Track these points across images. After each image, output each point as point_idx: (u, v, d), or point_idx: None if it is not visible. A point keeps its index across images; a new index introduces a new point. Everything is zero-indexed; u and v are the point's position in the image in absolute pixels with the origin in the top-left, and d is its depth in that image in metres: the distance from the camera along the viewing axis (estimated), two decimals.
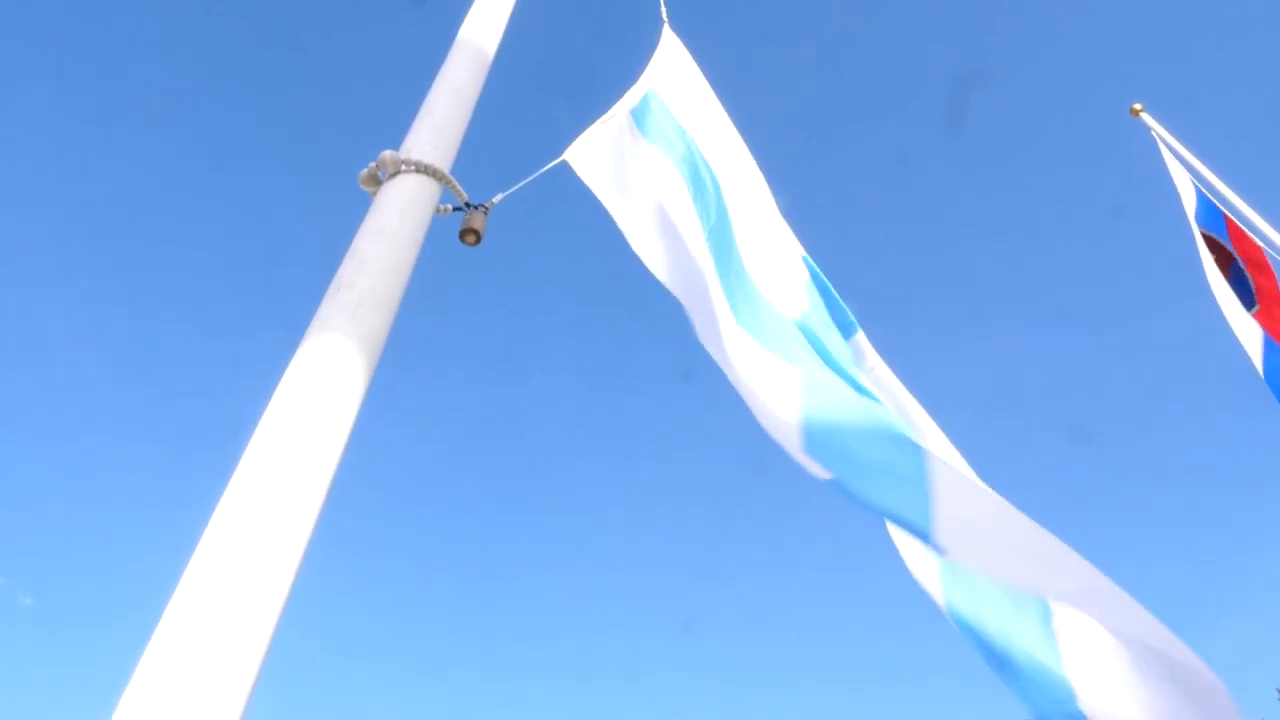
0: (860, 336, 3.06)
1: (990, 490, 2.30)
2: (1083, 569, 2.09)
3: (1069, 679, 2.37)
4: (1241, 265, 6.49)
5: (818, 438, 2.40)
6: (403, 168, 1.85)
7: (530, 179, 2.36)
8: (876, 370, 3.02)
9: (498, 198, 2.22)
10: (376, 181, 1.88)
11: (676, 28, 3.42)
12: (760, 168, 3.41)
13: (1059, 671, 2.39)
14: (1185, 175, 6.14)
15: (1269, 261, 6.31)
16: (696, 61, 3.41)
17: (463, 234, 2.11)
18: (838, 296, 3.10)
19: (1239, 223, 6.36)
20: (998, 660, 2.47)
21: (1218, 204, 6.41)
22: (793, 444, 2.40)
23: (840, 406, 2.51)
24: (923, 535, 2.21)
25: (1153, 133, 6.12)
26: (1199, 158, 6.20)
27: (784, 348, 2.64)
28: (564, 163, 2.54)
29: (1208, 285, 6.14)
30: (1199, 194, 6.26)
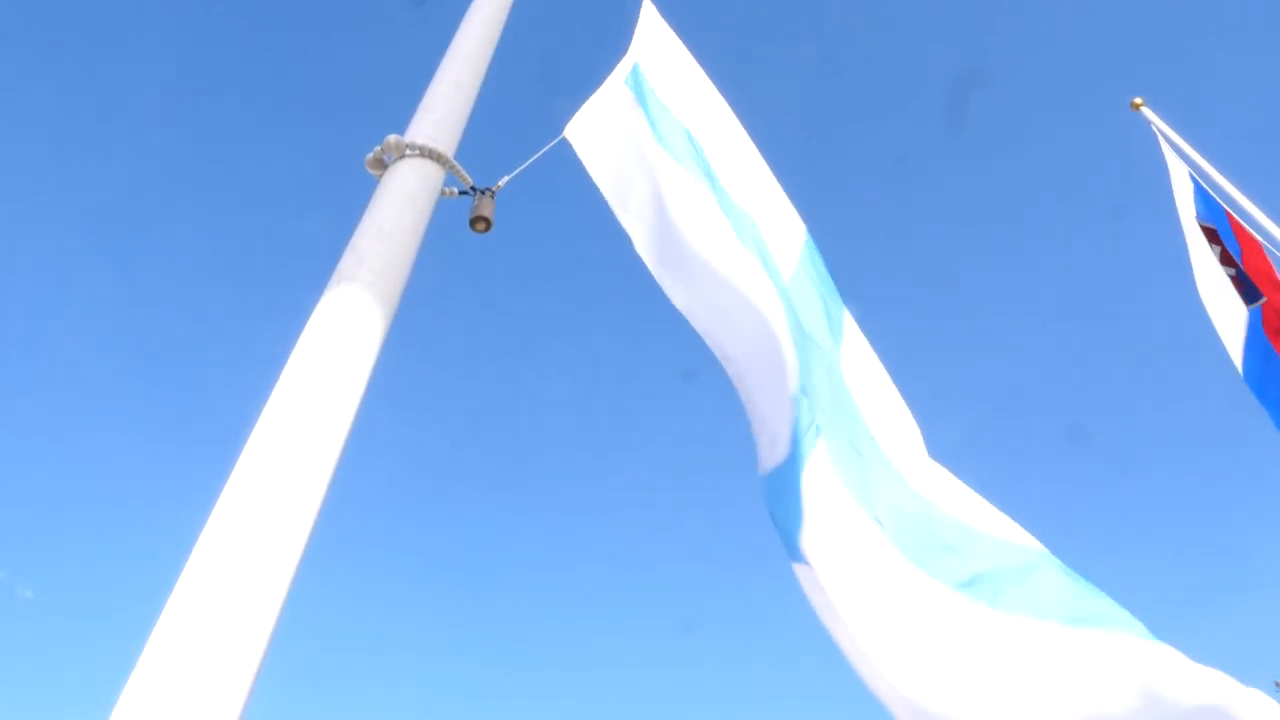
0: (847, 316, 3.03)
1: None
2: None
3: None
4: (1241, 262, 6.49)
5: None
6: (407, 151, 1.89)
7: (533, 159, 2.40)
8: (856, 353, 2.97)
9: (503, 181, 2.25)
10: (382, 165, 1.91)
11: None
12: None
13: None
14: (1184, 170, 6.15)
15: (1269, 258, 6.32)
16: (698, 55, 3.43)
17: (473, 222, 2.14)
18: (829, 273, 3.11)
19: (1240, 218, 6.36)
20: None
21: (1218, 199, 6.42)
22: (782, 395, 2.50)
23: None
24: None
25: (1153, 127, 6.13)
26: (1200, 153, 6.20)
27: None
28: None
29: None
30: (1199, 189, 6.27)
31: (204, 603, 1.18)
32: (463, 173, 2.01)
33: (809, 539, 2.36)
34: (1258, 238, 6.29)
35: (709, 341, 2.71)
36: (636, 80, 2.99)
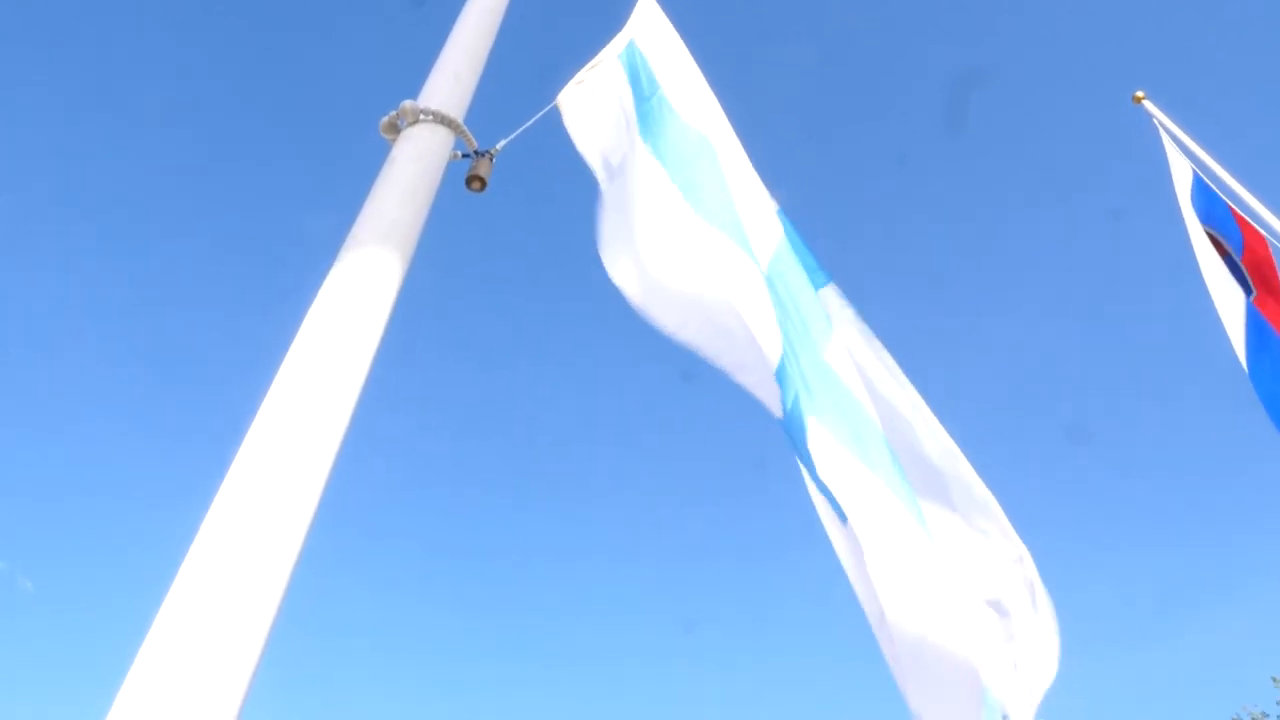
0: (832, 288, 3.04)
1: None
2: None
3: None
4: (1238, 257, 6.53)
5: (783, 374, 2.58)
6: (421, 117, 2.00)
7: (528, 124, 2.50)
8: (846, 325, 2.96)
9: (500, 144, 2.37)
10: (396, 130, 2.03)
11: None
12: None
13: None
14: (1186, 164, 6.19)
15: (1272, 251, 6.35)
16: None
17: (469, 181, 2.26)
18: (808, 249, 3.10)
19: (1242, 212, 6.40)
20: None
21: (1220, 194, 6.45)
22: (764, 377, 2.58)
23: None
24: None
25: (1155, 120, 6.17)
26: (1202, 146, 6.24)
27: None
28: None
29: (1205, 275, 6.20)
30: (1200, 182, 6.30)
31: (204, 594, 1.19)
32: (471, 138, 2.13)
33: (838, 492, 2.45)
34: (1261, 231, 6.33)
35: (661, 325, 2.71)
36: (630, 55, 3.07)
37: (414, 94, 2.10)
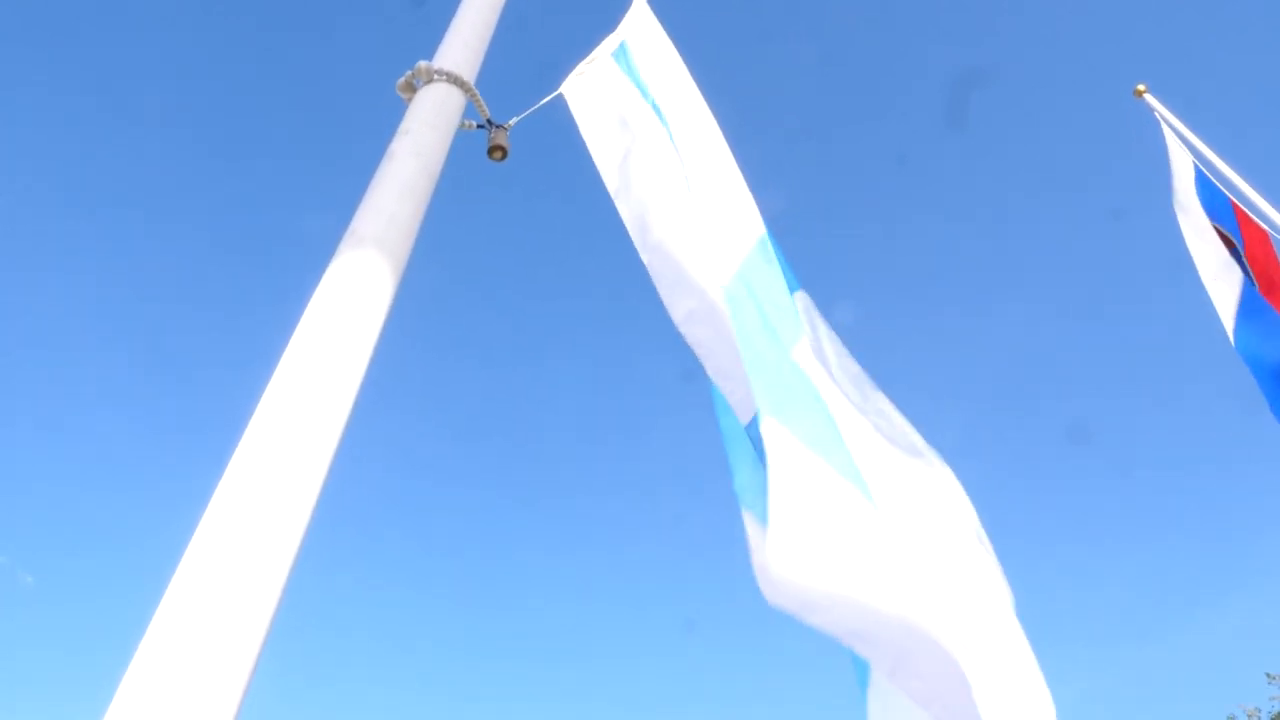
0: (802, 294, 2.97)
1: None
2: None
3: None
4: (1242, 250, 6.59)
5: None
6: (435, 76, 2.15)
7: (537, 106, 2.64)
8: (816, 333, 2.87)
9: (513, 120, 2.50)
10: (412, 89, 2.17)
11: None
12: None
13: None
14: (1187, 157, 6.26)
15: (1274, 246, 6.41)
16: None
17: (491, 151, 2.41)
18: (782, 255, 3.03)
19: (1243, 206, 6.46)
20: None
21: (1222, 188, 6.51)
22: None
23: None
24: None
25: (1156, 113, 6.24)
26: (1204, 140, 6.31)
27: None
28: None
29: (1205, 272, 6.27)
30: (1201, 176, 6.37)
31: (203, 591, 1.19)
32: (481, 103, 2.28)
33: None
34: (1263, 226, 6.39)
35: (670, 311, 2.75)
36: (623, 55, 3.18)
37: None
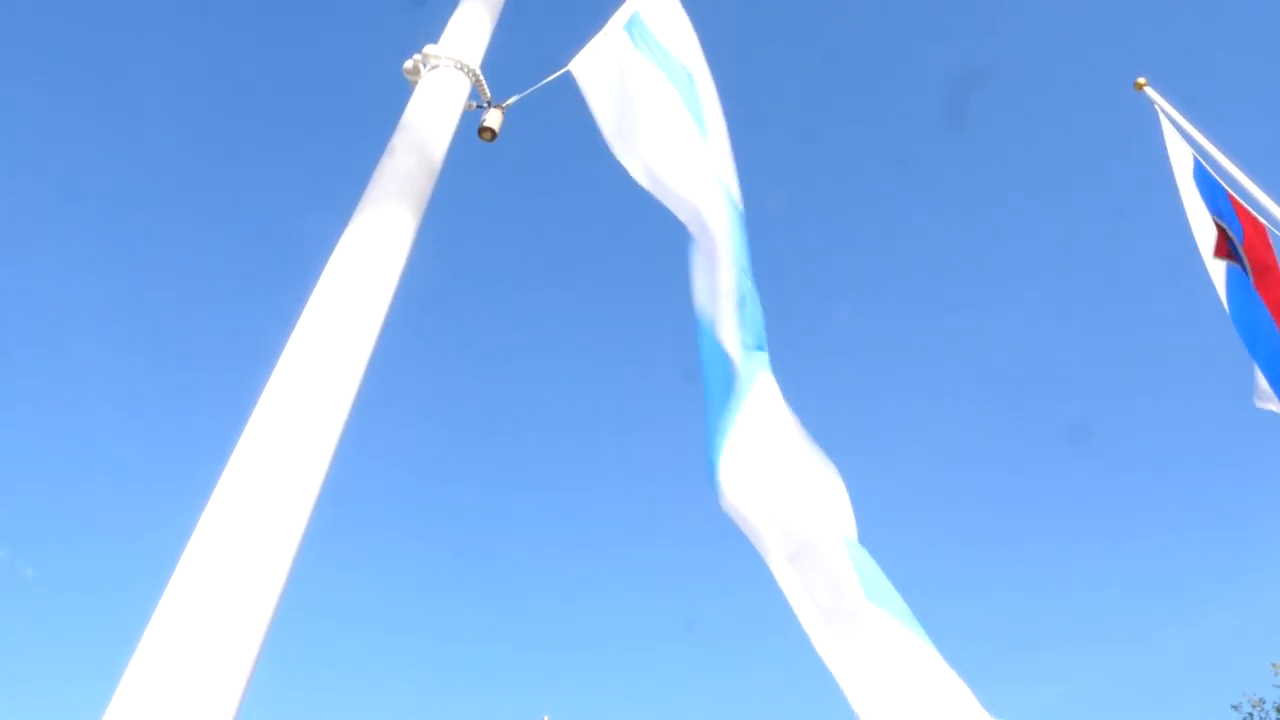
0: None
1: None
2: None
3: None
4: (1240, 243, 6.63)
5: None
6: (441, 62, 2.24)
7: (540, 85, 2.71)
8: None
9: (512, 99, 2.59)
10: (418, 73, 2.27)
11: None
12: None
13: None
14: (1186, 150, 6.31)
15: (1271, 240, 6.46)
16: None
17: (480, 131, 2.49)
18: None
19: (1241, 199, 6.50)
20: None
21: (1220, 181, 6.55)
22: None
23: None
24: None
25: (1156, 106, 6.28)
26: (1203, 134, 6.34)
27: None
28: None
29: (1205, 268, 6.33)
30: (1200, 169, 6.41)
31: (205, 582, 1.19)
32: (485, 86, 2.37)
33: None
34: (1261, 220, 6.43)
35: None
36: (636, 26, 3.26)
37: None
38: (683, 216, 2.95)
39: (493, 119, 2.45)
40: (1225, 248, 6.55)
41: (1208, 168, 6.37)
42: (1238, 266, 6.15)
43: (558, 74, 2.85)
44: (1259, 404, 6.09)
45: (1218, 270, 6.35)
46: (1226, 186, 6.50)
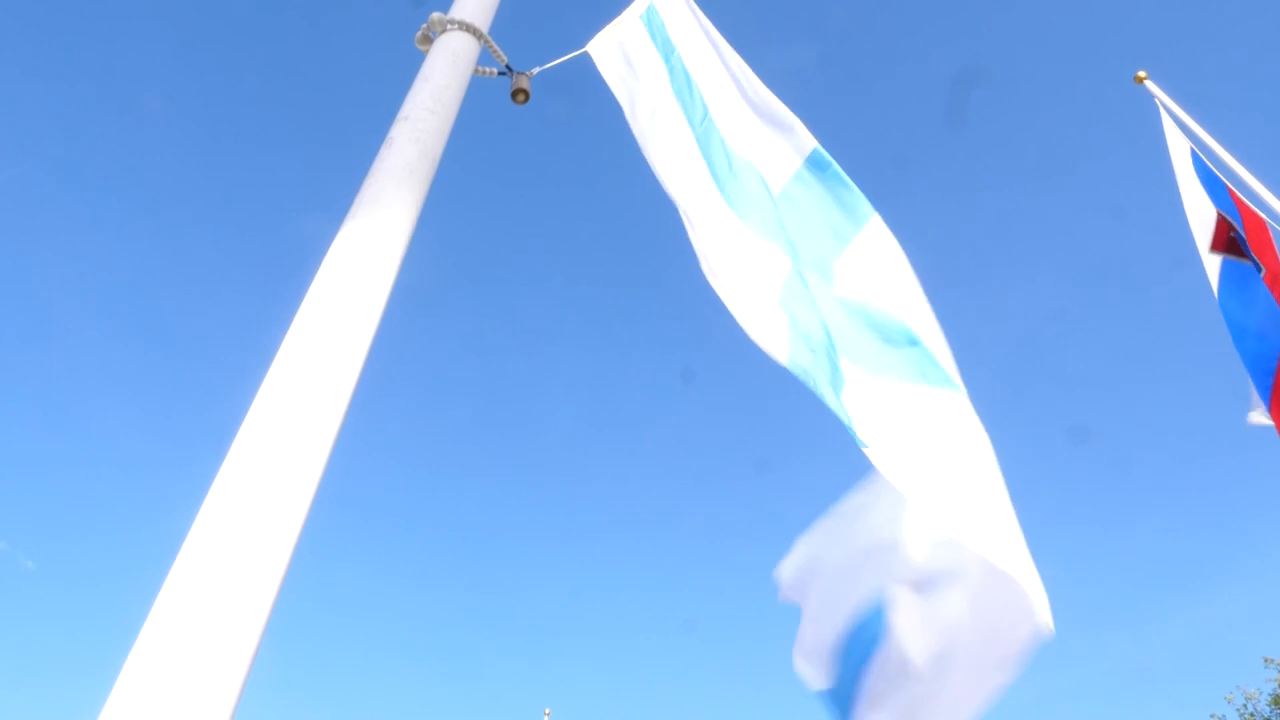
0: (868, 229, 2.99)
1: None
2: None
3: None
4: (1243, 236, 6.64)
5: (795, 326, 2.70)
6: (448, 26, 2.25)
7: (559, 60, 2.73)
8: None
9: (534, 70, 2.60)
10: (429, 41, 2.28)
11: None
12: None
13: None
14: (1185, 143, 6.33)
15: (1271, 233, 6.47)
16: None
17: (514, 94, 2.52)
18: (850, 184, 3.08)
19: (1241, 193, 6.51)
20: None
21: (1220, 174, 6.57)
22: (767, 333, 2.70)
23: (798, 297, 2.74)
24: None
25: (1156, 100, 6.31)
26: (1203, 127, 6.36)
27: (765, 225, 2.93)
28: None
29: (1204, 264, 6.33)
30: (1200, 163, 6.43)
31: (203, 576, 1.19)
32: (496, 49, 2.39)
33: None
34: (1260, 214, 6.45)
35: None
36: (651, 17, 3.31)
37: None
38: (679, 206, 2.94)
39: (523, 82, 2.48)
40: (1224, 242, 6.57)
41: (1207, 161, 6.39)
42: (1235, 260, 6.16)
43: (576, 53, 2.87)
44: (1254, 420, 6.01)
45: (1213, 265, 6.37)
46: (1226, 180, 6.52)
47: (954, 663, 2.30)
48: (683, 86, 3.23)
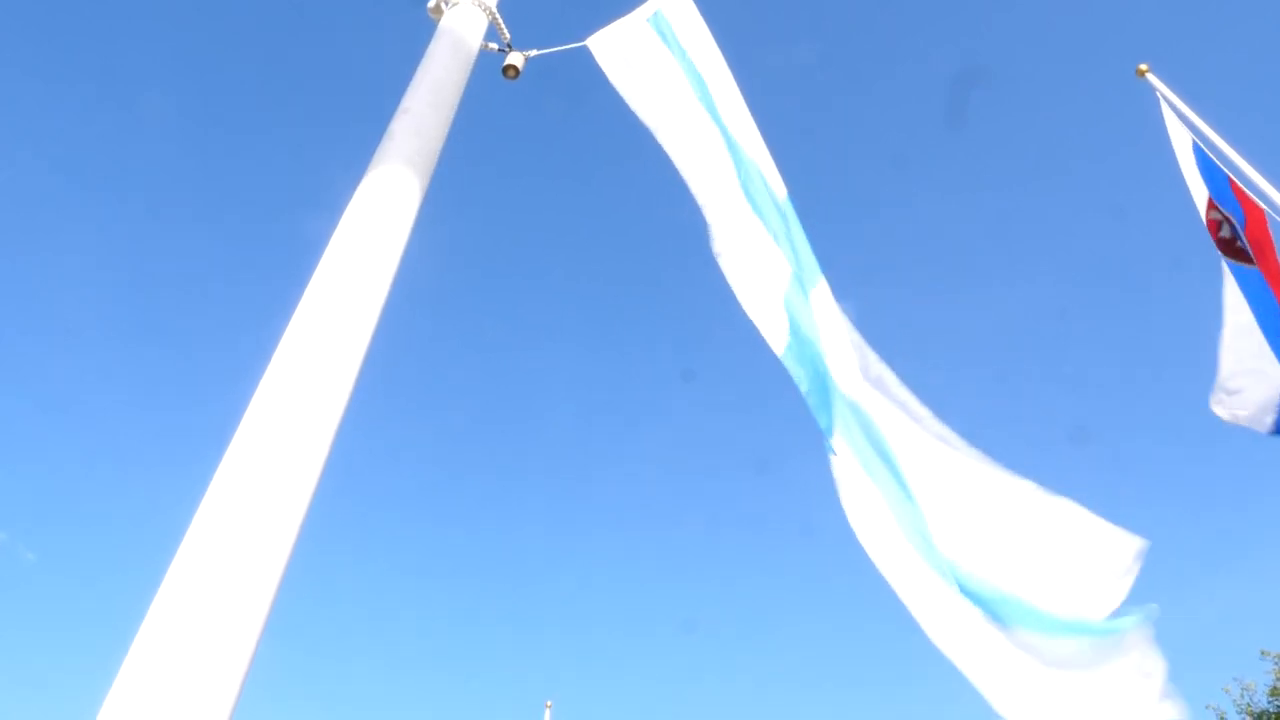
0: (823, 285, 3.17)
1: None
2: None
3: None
4: (1241, 229, 6.70)
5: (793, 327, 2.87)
6: (461, 0, 2.42)
7: (559, 48, 2.89)
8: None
9: (533, 52, 2.77)
10: (440, 11, 2.46)
11: None
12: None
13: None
14: (1186, 135, 6.39)
15: (1270, 226, 6.53)
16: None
17: (504, 69, 2.68)
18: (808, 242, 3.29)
19: (1242, 184, 6.57)
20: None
21: (1221, 166, 6.63)
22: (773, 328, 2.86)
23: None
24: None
25: (1157, 93, 6.37)
26: (1204, 119, 6.43)
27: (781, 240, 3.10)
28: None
29: (1207, 263, 6.42)
30: (1201, 154, 6.49)
31: (207, 564, 1.19)
32: (502, 25, 2.56)
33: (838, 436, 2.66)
34: (1261, 204, 6.51)
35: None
36: (659, 22, 3.45)
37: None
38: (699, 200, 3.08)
39: (515, 59, 2.64)
40: (1217, 242, 6.63)
41: (1208, 153, 6.45)
42: (1233, 263, 6.25)
43: (575, 45, 3.01)
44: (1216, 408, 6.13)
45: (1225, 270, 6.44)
46: (1227, 171, 6.59)
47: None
48: (700, 86, 3.38)
